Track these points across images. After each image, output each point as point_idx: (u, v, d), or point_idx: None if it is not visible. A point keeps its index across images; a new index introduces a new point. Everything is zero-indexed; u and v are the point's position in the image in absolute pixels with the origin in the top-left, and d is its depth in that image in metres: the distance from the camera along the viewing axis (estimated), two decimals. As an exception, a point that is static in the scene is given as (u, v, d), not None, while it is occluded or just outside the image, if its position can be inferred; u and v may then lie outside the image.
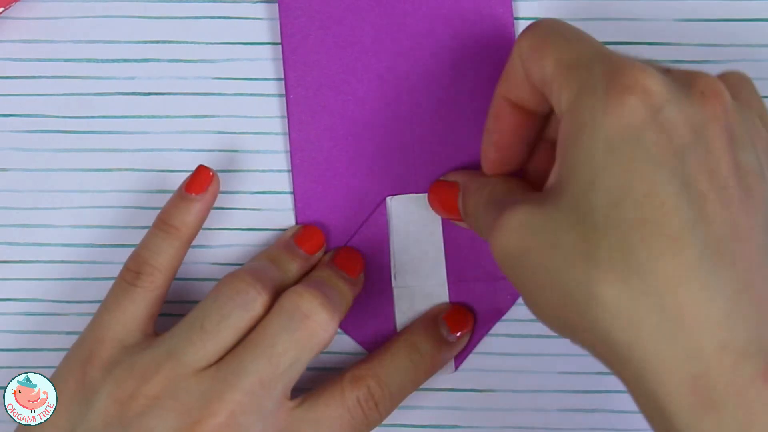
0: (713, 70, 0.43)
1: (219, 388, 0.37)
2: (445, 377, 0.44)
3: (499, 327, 0.44)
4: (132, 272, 0.40)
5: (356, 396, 0.40)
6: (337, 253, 0.43)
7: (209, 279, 0.44)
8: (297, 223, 0.44)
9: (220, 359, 0.38)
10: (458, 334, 0.42)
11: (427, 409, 0.44)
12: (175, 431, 0.37)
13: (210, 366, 0.38)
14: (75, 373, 0.39)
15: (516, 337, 0.44)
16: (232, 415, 0.37)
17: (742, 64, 0.43)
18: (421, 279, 0.43)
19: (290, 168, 0.44)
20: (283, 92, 0.44)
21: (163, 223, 0.41)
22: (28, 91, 0.44)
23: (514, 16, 0.44)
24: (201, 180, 0.41)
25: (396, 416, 0.43)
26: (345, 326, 0.44)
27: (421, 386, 0.43)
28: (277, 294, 0.39)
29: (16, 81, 0.44)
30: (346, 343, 0.44)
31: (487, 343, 0.44)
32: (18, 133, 0.44)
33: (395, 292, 0.43)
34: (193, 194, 0.41)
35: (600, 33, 0.44)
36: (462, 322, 0.43)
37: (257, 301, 0.39)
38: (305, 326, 0.38)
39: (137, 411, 0.37)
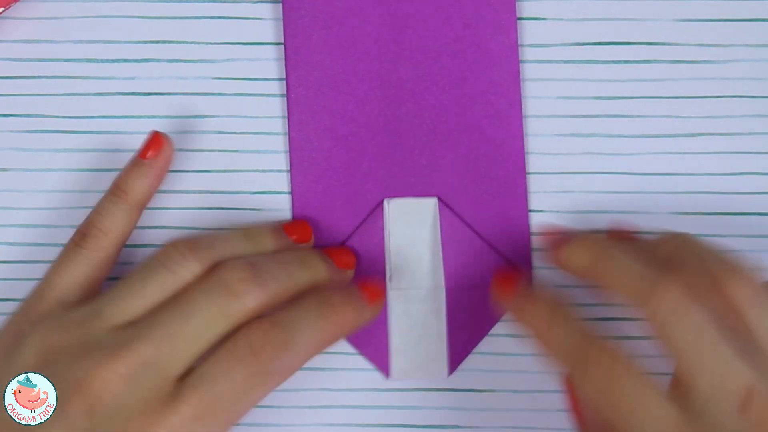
0: (713, 70, 0.44)
1: (129, 339, 0.37)
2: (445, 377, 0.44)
3: (499, 327, 0.44)
4: (80, 233, 0.41)
5: (249, 340, 0.38)
6: (327, 248, 0.43)
7: (209, 279, 0.44)
8: (292, 222, 0.44)
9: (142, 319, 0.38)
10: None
11: (427, 409, 0.44)
12: (82, 375, 0.36)
13: (130, 324, 0.38)
14: (14, 327, 0.40)
15: (516, 337, 0.44)
16: (136, 364, 0.36)
17: (742, 64, 0.44)
18: (416, 282, 0.43)
19: (289, 168, 0.44)
20: (284, 92, 0.44)
21: (115, 187, 0.42)
22: (28, 91, 0.44)
23: (518, 16, 0.44)
24: (153, 145, 0.42)
25: (396, 416, 0.43)
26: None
27: (421, 386, 0.43)
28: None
29: (16, 81, 0.44)
30: (340, 343, 0.44)
31: (487, 343, 0.44)
32: (18, 133, 0.44)
33: (389, 294, 0.43)
34: (145, 159, 0.41)
35: (600, 33, 0.44)
36: (375, 290, 0.42)
37: (182, 264, 0.39)
38: (223, 294, 0.38)
39: (52, 361, 0.37)
